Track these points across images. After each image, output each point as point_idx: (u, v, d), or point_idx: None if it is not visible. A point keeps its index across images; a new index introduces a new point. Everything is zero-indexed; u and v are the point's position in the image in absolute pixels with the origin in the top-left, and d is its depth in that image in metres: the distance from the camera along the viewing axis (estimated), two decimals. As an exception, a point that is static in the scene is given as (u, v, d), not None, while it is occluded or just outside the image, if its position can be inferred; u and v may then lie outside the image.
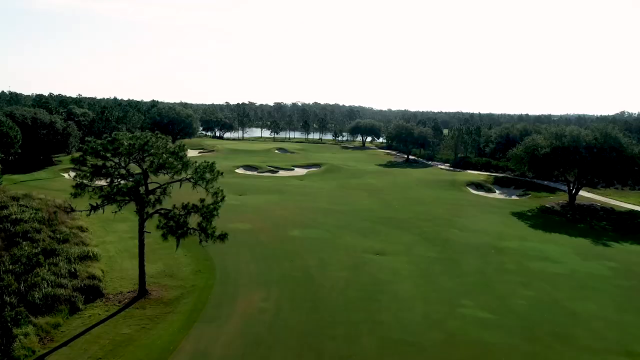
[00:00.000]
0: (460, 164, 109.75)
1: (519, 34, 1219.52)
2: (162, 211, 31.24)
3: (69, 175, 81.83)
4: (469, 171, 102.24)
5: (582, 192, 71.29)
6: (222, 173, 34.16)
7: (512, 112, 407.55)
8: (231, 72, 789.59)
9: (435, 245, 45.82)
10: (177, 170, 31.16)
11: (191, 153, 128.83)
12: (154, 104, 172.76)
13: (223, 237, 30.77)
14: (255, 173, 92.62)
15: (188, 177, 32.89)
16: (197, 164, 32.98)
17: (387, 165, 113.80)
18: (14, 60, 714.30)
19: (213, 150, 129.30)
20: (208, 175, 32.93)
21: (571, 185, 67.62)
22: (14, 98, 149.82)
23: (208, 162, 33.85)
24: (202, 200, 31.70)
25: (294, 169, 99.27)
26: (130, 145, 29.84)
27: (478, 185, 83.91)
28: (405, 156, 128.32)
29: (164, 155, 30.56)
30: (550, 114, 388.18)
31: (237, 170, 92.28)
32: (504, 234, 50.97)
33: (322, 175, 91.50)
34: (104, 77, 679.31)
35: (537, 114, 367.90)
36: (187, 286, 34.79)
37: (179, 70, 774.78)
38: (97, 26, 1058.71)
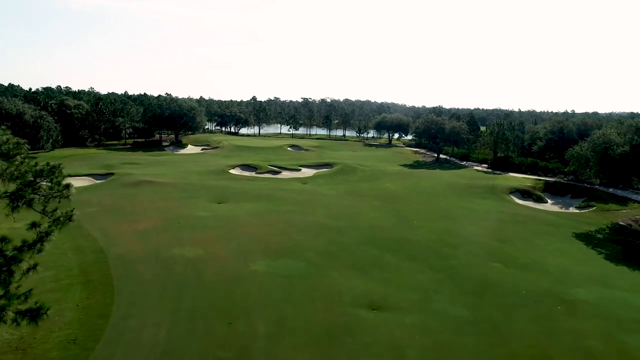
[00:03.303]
0: (501, 164, 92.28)
1: (564, 25, 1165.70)
2: None
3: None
4: (511, 174, 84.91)
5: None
6: (68, 186, 19.40)
7: (555, 109, 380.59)
8: (260, 69, 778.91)
9: (467, 293, 29.94)
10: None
11: (194, 150, 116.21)
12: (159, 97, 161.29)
13: (35, 315, 15.86)
14: (253, 174, 78.21)
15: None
16: (22, 168, 18.39)
17: (413, 165, 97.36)
18: (45, 56, 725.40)
19: (217, 147, 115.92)
20: (43, 188, 18.37)
21: (655, 196, 50.13)
22: (9, 89, 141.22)
23: (50, 164, 19.27)
24: (1, 241, 16.86)
25: (300, 169, 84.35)
26: None
27: (524, 193, 66.76)
28: (435, 155, 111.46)
29: None
30: (596, 112, 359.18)
31: (231, 171, 78.08)
32: (571, 273, 34.49)
33: (331, 177, 76.21)
34: (130, 74, 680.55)
35: (583, 111, 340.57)
36: (30, 378, 20.34)
37: (207, 68, 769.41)
38: (127, 25, 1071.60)
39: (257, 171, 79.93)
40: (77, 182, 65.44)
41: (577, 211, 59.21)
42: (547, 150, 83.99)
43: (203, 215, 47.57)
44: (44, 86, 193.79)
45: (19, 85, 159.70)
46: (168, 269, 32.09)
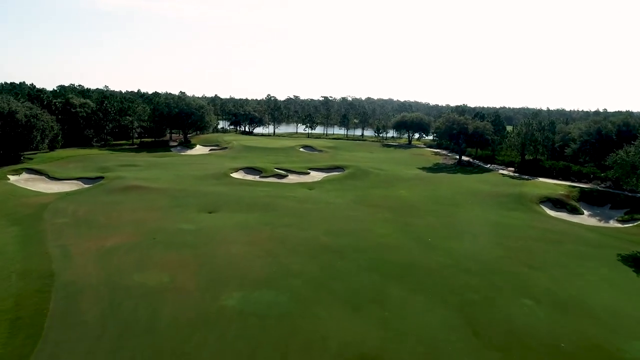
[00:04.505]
0: (529, 168, 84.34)
1: (594, 20, 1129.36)
2: None
3: (18, 177, 65.12)
4: (540, 179, 77.00)
5: None
6: None
7: (586, 108, 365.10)
8: (280, 67, 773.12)
9: (489, 346, 23.22)
10: None
11: (202, 150, 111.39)
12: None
13: None
14: (256, 178, 72.29)
15: None
16: None
17: (433, 169, 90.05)
18: (66, 56, 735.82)
19: (226, 148, 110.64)
20: None
21: None
22: (16, 87, 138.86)
23: None
24: None
25: (309, 173, 78.07)
26: None
27: (557, 203, 59.02)
28: (457, 157, 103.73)
29: None
30: (630, 110, 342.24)
31: (233, 174, 72.30)
32: (624, 316, 27.28)
33: (340, 182, 69.69)
34: (148, 73, 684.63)
35: (615, 109, 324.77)
36: None
37: (227, 67, 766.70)
38: (152, 25, 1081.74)
39: (262, 175, 74.00)
40: (63, 187, 60.78)
41: (620, 225, 51.42)
42: (581, 153, 75.63)
43: (185, 228, 41.76)
44: (59, 84, 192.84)
45: (32, 84, 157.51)
46: (117, 305, 26.22)
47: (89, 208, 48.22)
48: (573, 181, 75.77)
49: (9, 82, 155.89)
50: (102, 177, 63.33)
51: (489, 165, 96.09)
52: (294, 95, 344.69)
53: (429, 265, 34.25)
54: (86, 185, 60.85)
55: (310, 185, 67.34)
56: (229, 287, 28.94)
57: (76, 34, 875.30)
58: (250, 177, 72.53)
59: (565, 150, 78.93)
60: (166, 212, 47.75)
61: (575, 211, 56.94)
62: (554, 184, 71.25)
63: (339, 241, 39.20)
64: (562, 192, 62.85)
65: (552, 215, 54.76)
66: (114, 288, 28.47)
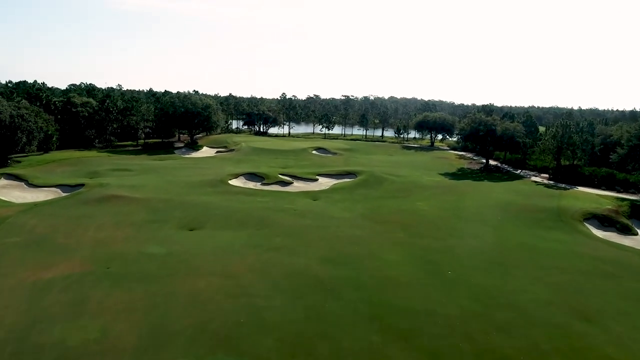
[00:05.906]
0: (566, 175, 74.90)
1: (628, 13, 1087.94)
2: None
3: (-4, 183, 59.16)
4: (579, 188, 67.72)
5: None
6: None
7: (620, 107, 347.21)
8: (302, 67, 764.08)
9: None
10: None
11: (208, 152, 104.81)
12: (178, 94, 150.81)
13: None
14: (257, 185, 64.96)
15: None
16: None
17: (456, 175, 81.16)
18: (99, 57, 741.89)
19: (233, 150, 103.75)
20: None
21: None
22: (20, 86, 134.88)
23: None
24: None
25: (317, 179, 70.32)
26: None
27: (604, 220, 49.85)
28: (484, 161, 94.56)
29: None
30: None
31: (231, 181, 65.10)
32: None
33: (350, 191, 61.70)
34: (178, 73, 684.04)
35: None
36: None
37: (252, 66, 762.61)
38: (177, 25, 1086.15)
39: (264, 182, 66.59)
40: (37, 196, 54.33)
41: (686, 251, 42.17)
42: (630, 159, 65.79)
43: (152, 253, 34.63)
44: (71, 83, 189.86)
45: (43, 83, 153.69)
46: (12, 378, 19.04)
47: (51, 223, 41.59)
48: (618, 191, 66.36)
49: (14, 81, 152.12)
50: (82, 185, 56.88)
51: (519, 171, 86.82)
52: (315, 95, 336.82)
53: (449, 313, 26.15)
54: (63, 194, 54.52)
55: (315, 195, 59.59)
56: (175, 348, 21.54)
57: (95, 33, 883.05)
58: (250, 185, 65.22)
59: (611, 156, 69.18)
60: (138, 229, 40.76)
61: (627, 231, 47.78)
62: (597, 195, 61.88)
63: (335, 273, 31.42)
64: (609, 207, 53.57)
65: (600, 236, 45.71)
66: (21, 350, 21.38)
